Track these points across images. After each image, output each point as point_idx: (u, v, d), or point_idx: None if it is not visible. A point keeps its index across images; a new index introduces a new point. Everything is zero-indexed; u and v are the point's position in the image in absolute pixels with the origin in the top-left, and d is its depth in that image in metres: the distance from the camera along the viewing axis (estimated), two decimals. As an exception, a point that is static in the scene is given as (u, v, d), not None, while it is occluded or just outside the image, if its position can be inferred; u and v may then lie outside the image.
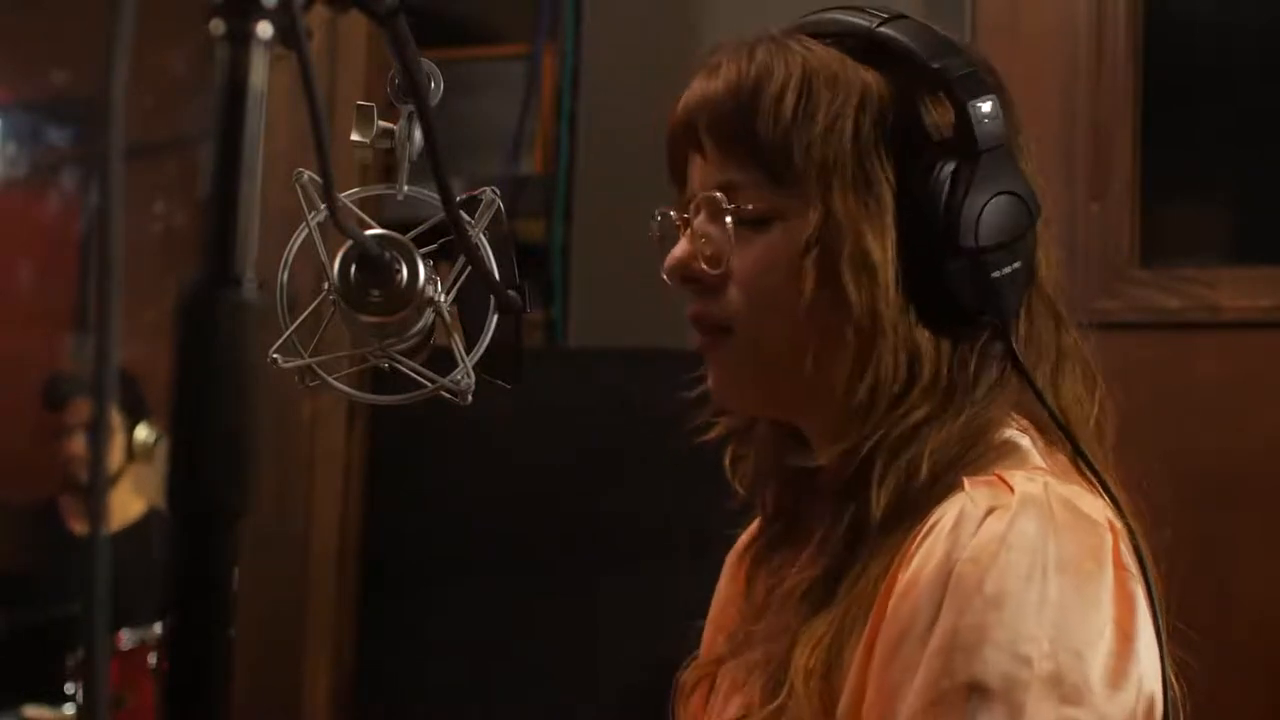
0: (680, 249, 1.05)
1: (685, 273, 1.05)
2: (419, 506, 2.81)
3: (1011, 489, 0.94)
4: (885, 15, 1.03)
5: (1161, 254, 2.51)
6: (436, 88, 0.85)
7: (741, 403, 1.09)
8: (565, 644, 2.65)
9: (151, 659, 2.75)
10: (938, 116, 1.00)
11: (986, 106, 0.98)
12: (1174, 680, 0.96)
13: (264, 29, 0.60)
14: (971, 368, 1.01)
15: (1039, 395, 1.00)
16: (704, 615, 1.21)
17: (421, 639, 2.74)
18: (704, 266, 1.04)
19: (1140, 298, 2.47)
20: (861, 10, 1.04)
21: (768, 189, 1.01)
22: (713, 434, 1.12)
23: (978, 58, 1.02)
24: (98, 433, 0.55)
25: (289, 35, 0.62)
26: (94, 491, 0.55)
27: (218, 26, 0.60)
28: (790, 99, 1.00)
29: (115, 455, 3.47)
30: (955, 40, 1.02)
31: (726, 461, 1.13)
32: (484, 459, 2.73)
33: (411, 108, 0.87)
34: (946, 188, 0.98)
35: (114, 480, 3.48)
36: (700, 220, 1.04)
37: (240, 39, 0.60)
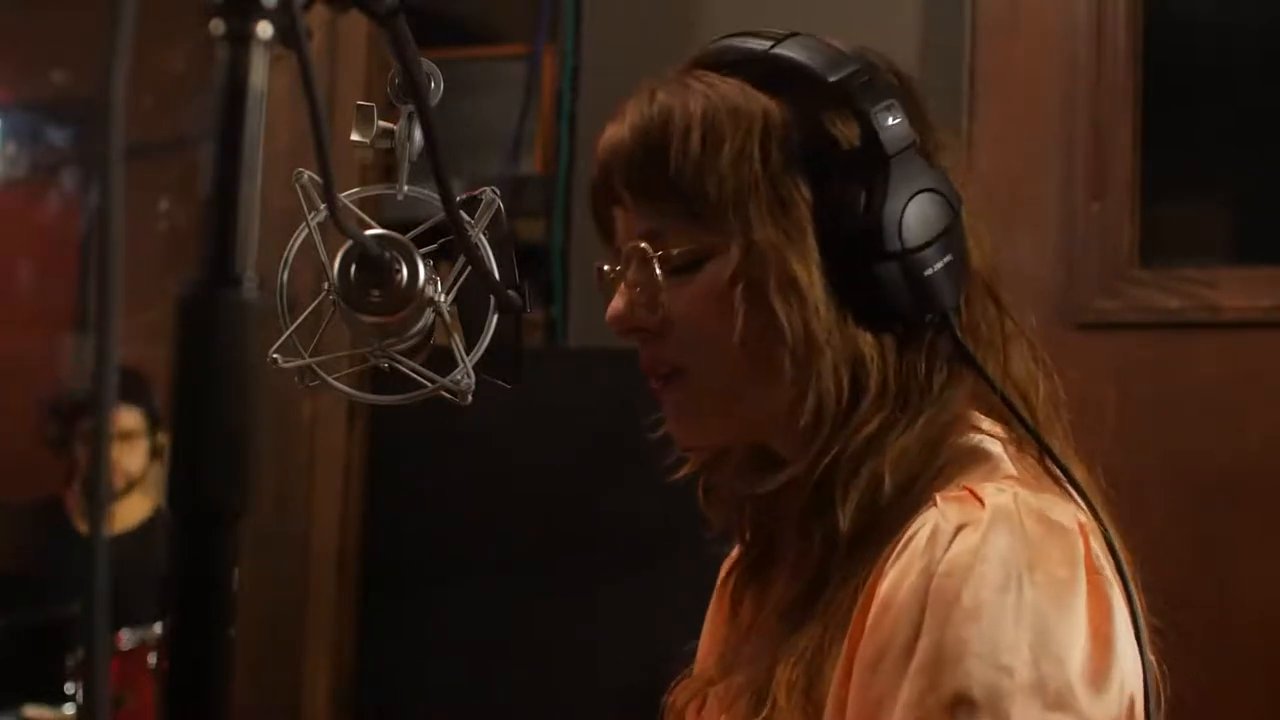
0: (617, 302, 1.06)
1: (626, 325, 1.06)
2: (419, 506, 2.81)
3: (982, 503, 0.94)
4: (779, 36, 1.03)
5: (1161, 254, 2.51)
6: (436, 88, 0.85)
7: (703, 439, 1.09)
8: (565, 644, 2.65)
9: (151, 659, 2.75)
10: (844, 128, 1.00)
11: (889, 111, 0.98)
12: (1155, 663, 0.95)
13: (264, 29, 0.60)
14: (922, 370, 1.01)
15: (990, 383, 1.01)
16: (703, 615, 1.21)
17: (421, 639, 2.74)
18: (642, 316, 1.04)
19: (1140, 298, 2.47)
20: (758, 34, 1.04)
21: (690, 230, 1.02)
22: (684, 470, 1.13)
23: (879, 64, 1.02)
24: (98, 431, 0.55)
25: (289, 35, 0.62)
26: (95, 492, 0.55)
27: (218, 26, 0.60)
28: (695, 137, 1.00)
29: (138, 461, 3.48)
30: (852, 51, 1.02)
31: (699, 493, 1.13)
32: (484, 459, 2.73)
33: (411, 108, 0.87)
34: (863, 196, 0.98)
35: (136, 484, 3.49)
36: (632, 271, 1.05)
37: (240, 39, 0.60)
